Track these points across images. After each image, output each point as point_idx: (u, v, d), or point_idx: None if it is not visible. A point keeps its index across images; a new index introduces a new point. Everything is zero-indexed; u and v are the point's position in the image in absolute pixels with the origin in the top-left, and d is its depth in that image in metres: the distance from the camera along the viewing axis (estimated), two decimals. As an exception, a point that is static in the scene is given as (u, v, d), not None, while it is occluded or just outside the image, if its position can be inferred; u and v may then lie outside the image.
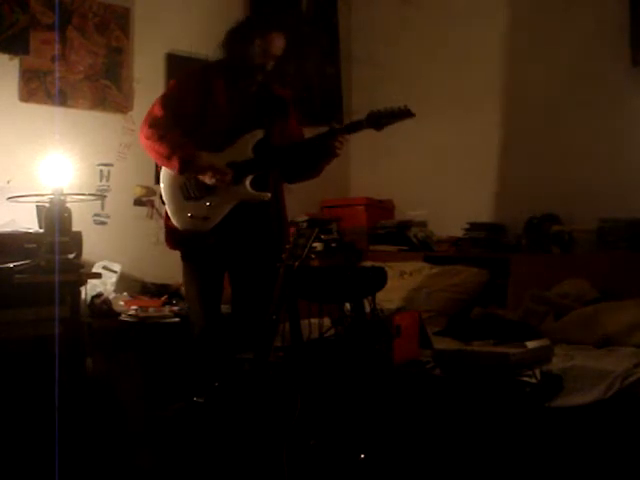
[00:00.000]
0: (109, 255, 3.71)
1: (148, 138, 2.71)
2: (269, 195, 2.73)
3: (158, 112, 2.73)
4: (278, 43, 2.73)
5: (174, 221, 2.76)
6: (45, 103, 3.65)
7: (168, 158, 2.67)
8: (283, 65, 2.81)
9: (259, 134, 2.73)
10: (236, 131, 2.74)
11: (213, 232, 2.73)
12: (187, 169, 2.67)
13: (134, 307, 3.46)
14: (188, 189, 2.74)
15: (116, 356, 3.29)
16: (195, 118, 2.74)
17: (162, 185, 2.82)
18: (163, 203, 2.83)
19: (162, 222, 2.94)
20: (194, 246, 2.76)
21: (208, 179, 2.66)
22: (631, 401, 2.32)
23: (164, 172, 2.80)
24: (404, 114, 2.59)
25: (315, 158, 2.82)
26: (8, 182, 3.42)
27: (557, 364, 2.51)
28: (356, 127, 2.71)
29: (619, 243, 3.49)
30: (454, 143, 4.35)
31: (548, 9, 3.92)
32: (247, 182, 2.72)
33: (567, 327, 3.03)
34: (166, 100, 2.77)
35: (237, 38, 2.76)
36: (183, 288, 3.18)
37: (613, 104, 3.68)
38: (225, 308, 2.93)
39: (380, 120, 2.61)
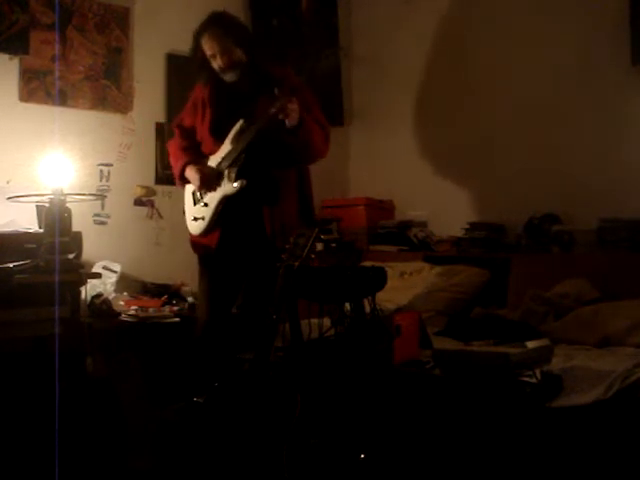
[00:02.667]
0: (109, 255, 3.71)
1: (168, 154, 3.05)
2: (244, 182, 2.71)
3: (173, 128, 3.03)
4: (216, 41, 2.72)
5: (189, 228, 2.91)
6: (45, 103, 3.65)
7: (174, 171, 2.93)
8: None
9: (238, 125, 2.74)
10: (227, 129, 2.78)
11: (219, 236, 2.80)
12: (183, 181, 2.89)
13: (134, 307, 3.46)
14: (195, 194, 2.88)
15: (116, 356, 3.28)
16: (197, 129, 2.90)
17: (185, 196, 2.98)
18: (183, 213, 2.96)
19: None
20: (207, 252, 2.86)
21: (196, 188, 2.83)
22: (631, 401, 2.31)
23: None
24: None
25: (287, 136, 2.68)
26: (8, 182, 3.43)
27: (557, 364, 2.50)
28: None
29: (619, 243, 3.48)
30: (454, 143, 4.35)
31: (548, 9, 3.92)
32: (231, 175, 2.74)
33: (567, 327, 3.02)
34: (176, 117, 3.07)
35: (193, 45, 2.81)
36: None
37: (613, 104, 3.68)
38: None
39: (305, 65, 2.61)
